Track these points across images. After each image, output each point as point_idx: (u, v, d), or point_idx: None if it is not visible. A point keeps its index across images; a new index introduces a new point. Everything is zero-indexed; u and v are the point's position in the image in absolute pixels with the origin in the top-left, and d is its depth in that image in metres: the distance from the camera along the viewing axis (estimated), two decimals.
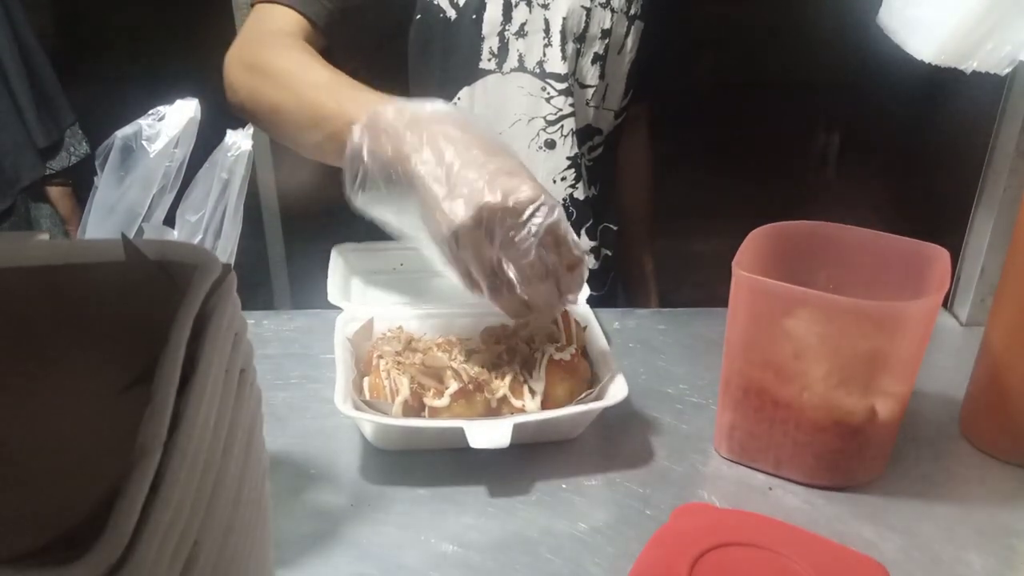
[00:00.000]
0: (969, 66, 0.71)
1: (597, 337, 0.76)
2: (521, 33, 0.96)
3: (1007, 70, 0.70)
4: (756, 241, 0.69)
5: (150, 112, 0.48)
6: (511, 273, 0.63)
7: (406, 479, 0.65)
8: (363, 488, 0.65)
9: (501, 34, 0.96)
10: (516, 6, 0.95)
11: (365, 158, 0.67)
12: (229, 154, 0.49)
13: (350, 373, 0.69)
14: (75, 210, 1.57)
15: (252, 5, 0.91)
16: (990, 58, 0.70)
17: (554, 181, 1.04)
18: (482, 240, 0.62)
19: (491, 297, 0.65)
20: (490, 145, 0.65)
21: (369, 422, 0.65)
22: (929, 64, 0.73)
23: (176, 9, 2.25)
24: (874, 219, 0.73)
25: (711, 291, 0.80)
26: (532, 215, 0.62)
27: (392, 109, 0.67)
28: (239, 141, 0.49)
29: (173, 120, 0.48)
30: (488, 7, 0.95)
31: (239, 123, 0.53)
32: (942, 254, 0.66)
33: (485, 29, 0.95)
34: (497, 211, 0.61)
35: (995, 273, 0.87)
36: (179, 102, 0.49)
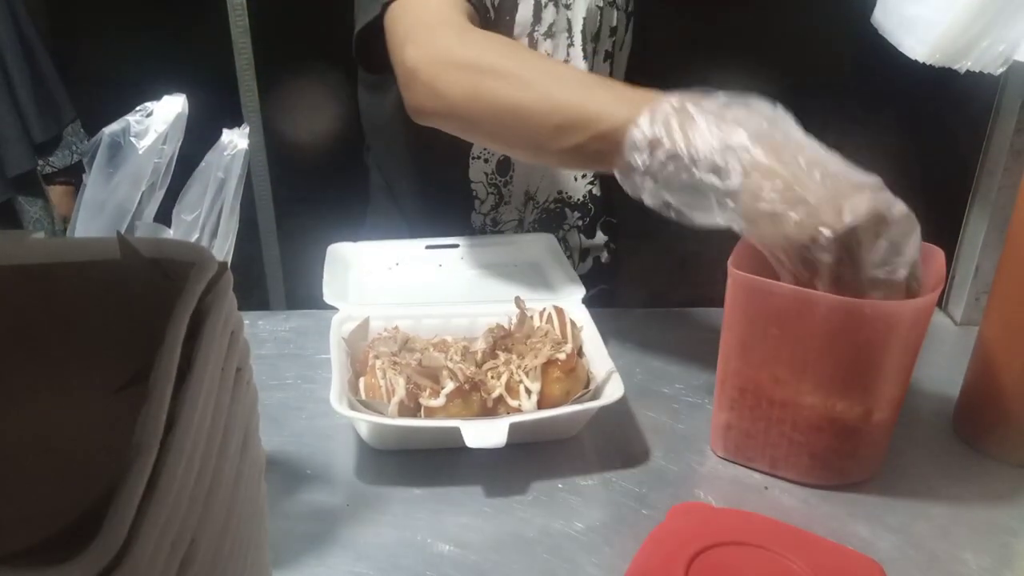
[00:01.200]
0: (963, 66, 0.71)
1: (593, 337, 0.76)
2: (549, 34, 0.96)
3: (1001, 70, 0.70)
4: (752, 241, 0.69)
5: (137, 108, 0.48)
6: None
7: (402, 479, 0.65)
8: (359, 488, 0.64)
9: (531, 35, 0.96)
10: (545, 7, 0.95)
11: (662, 154, 0.62)
12: (225, 153, 0.49)
13: (346, 373, 0.69)
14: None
15: (386, 5, 0.82)
16: (984, 57, 0.71)
17: (575, 179, 1.04)
18: (836, 262, 0.58)
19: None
20: (812, 163, 0.60)
21: (365, 422, 0.65)
22: (923, 64, 0.74)
23: (171, 7, 2.25)
24: None
25: (707, 291, 0.80)
26: (877, 229, 0.58)
27: (687, 101, 0.63)
28: (235, 140, 0.49)
29: (161, 116, 0.48)
30: (520, 8, 0.94)
31: (235, 122, 0.52)
32: (937, 253, 0.67)
33: (517, 30, 0.95)
34: (854, 234, 0.57)
35: (989, 272, 0.87)
36: (166, 98, 0.49)
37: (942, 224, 0.95)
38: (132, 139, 0.46)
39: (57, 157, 1.51)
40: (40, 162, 1.49)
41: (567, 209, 1.05)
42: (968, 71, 0.72)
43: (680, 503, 0.61)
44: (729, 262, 0.63)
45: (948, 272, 0.92)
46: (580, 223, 1.06)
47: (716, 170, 0.60)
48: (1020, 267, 0.66)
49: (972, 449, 0.71)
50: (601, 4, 0.98)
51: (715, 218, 0.62)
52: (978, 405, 0.71)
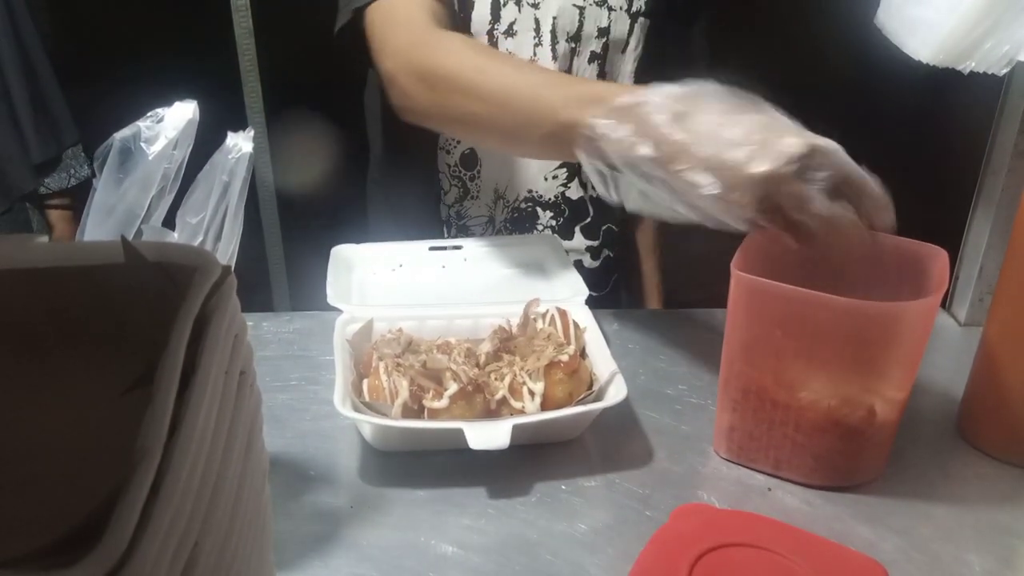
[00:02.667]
0: (967, 66, 0.71)
1: (596, 338, 0.76)
2: (511, 32, 0.96)
3: (1005, 70, 0.70)
4: (755, 242, 0.69)
5: (148, 114, 0.49)
6: (809, 223, 0.61)
7: (405, 481, 0.65)
8: (363, 490, 0.65)
9: (490, 33, 0.95)
10: (504, 5, 0.95)
11: (606, 165, 0.65)
12: (230, 156, 0.49)
13: (349, 375, 0.69)
14: (72, 236, 1.55)
15: (363, 8, 0.86)
16: (988, 58, 0.70)
17: (545, 179, 1.04)
18: (774, 209, 0.60)
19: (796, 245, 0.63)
20: (728, 111, 0.63)
21: (368, 423, 0.65)
22: (927, 65, 0.73)
23: (176, 11, 2.26)
24: None
25: (710, 292, 0.80)
26: (809, 169, 0.60)
27: (603, 113, 0.65)
28: (240, 143, 0.49)
29: (172, 122, 0.48)
30: (476, 6, 0.94)
31: (240, 125, 0.53)
32: (940, 254, 0.66)
33: (474, 28, 0.95)
34: (775, 179, 0.59)
35: (993, 273, 0.87)
36: (177, 104, 0.49)
37: (946, 225, 0.95)
38: (143, 144, 0.47)
39: (54, 179, 1.48)
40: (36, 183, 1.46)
41: (539, 208, 1.05)
42: (972, 72, 0.72)
43: (683, 504, 0.61)
44: (732, 263, 0.63)
45: (952, 273, 0.92)
46: (554, 223, 1.06)
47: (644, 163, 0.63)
48: (1023, 268, 0.66)
49: (976, 450, 0.71)
50: (581, 4, 0.97)
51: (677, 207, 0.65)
52: (982, 406, 0.71)
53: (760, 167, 0.58)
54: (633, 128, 0.64)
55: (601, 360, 0.73)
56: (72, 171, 1.49)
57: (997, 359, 0.69)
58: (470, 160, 1.01)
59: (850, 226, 0.62)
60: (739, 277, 0.62)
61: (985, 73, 0.71)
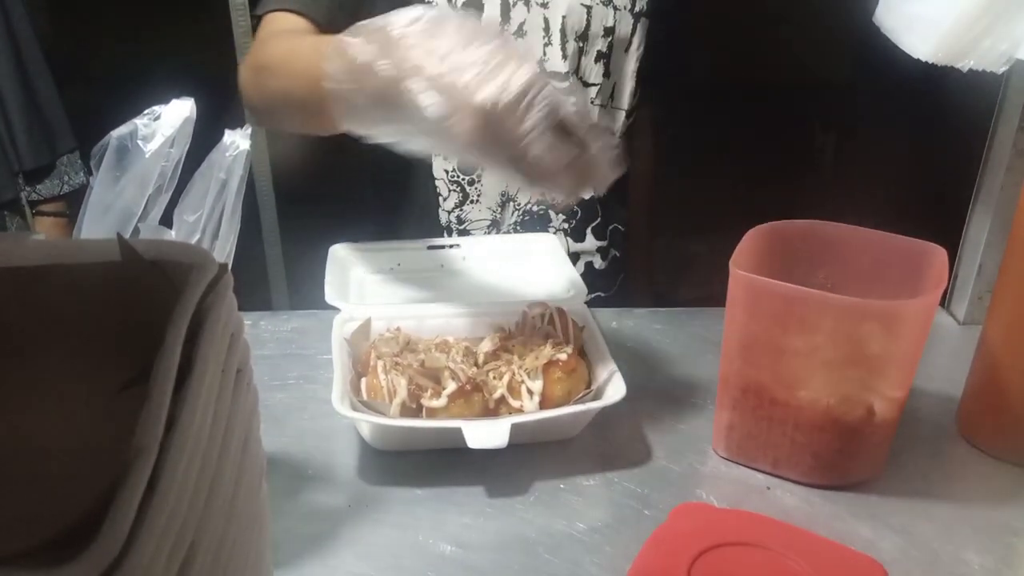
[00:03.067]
0: (966, 64, 0.71)
1: (595, 337, 0.76)
2: (520, 32, 0.96)
3: (1004, 68, 0.70)
4: (754, 240, 0.69)
5: (145, 112, 0.48)
6: (530, 159, 0.59)
7: (404, 479, 0.65)
8: (361, 489, 0.65)
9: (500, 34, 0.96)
10: (514, 6, 0.95)
11: (348, 93, 0.64)
12: (227, 154, 0.49)
13: (348, 374, 0.69)
14: None
15: (259, 17, 0.92)
16: (987, 56, 0.70)
17: None
18: (495, 144, 0.59)
19: (523, 184, 0.64)
20: (472, 36, 0.61)
21: (367, 422, 0.65)
22: (926, 62, 0.73)
23: (172, 7, 2.25)
24: (872, 218, 0.73)
25: (709, 290, 0.80)
26: (530, 104, 0.58)
27: (357, 35, 0.64)
28: (237, 141, 0.49)
29: (169, 119, 0.48)
30: (486, 7, 0.95)
31: (237, 123, 0.52)
32: (939, 252, 0.66)
33: None
34: (497, 112, 0.57)
35: (992, 271, 0.87)
36: (175, 101, 0.49)
37: (945, 222, 0.95)
38: (139, 142, 0.46)
39: (45, 185, 1.45)
40: (27, 188, 1.43)
41: (551, 211, 1.05)
42: (971, 70, 0.72)
43: (682, 503, 0.61)
44: (731, 261, 0.63)
45: (951, 271, 0.92)
46: (566, 226, 1.06)
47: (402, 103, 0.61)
48: (1023, 267, 0.66)
49: (975, 449, 0.71)
50: (589, 3, 0.97)
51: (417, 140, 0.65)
52: (981, 405, 0.71)
53: (483, 94, 0.57)
54: (378, 48, 0.62)
55: (600, 359, 0.73)
56: (66, 178, 1.47)
57: (996, 358, 0.69)
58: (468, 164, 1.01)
59: (575, 168, 0.61)
60: (738, 275, 0.62)
61: (984, 71, 0.71)
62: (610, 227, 1.10)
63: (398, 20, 0.62)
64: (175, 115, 0.48)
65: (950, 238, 0.85)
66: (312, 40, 0.81)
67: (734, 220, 0.77)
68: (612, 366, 0.70)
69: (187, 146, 0.49)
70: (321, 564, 0.57)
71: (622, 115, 1.07)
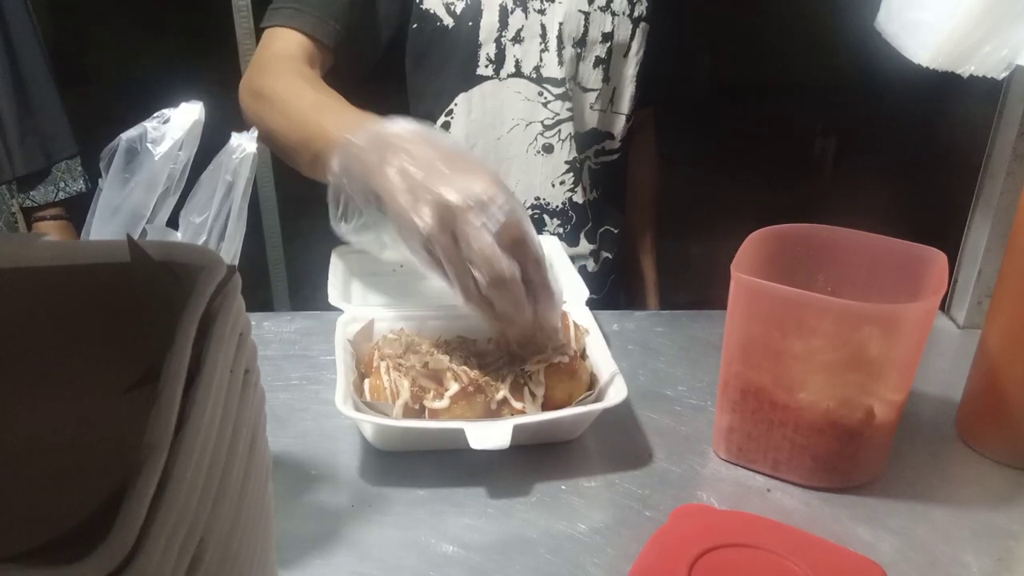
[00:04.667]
0: (966, 70, 0.72)
1: (597, 339, 0.76)
2: (518, 39, 0.97)
3: (1004, 74, 0.70)
4: (754, 244, 0.69)
5: (155, 115, 0.49)
6: (476, 273, 0.63)
7: (406, 480, 0.66)
8: (364, 489, 0.65)
9: (498, 40, 0.96)
10: (512, 12, 0.96)
11: (344, 187, 0.70)
12: (234, 156, 0.49)
13: (351, 374, 0.70)
14: None
15: (262, 30, 0.94)
16: (987, 62, 0.71)
17: (552, 185, 1.04)
18: (450, 243, 0.63)
19: (464, 301, 0.66)
20: (455, 155, 0.66)
21: (369, 423, 0.65)
22: (927, 68, 0.74)
23: (176, 10, 2.26)
24: (872, 222, 0.74)
25: (710, 293, 0.80)
26: (487, 210, 0.62)
27: (362, 134, 0.69)
28: (244, 144, 0.50)
29: (178, 123, 0.48)
30: (484, 14, 0.95)
31: (243, 126, 0.53)
32: (939, 257, 0.67)
33: (482, 36, 0.96)
34: (454, 210, 0.62)
35: (992, 276, 0.87)
36: (184, 105, 0.50)
37: (945, 228, 0.95)
38: (149, 145, 0.47)
39: (39, 192, 1.41)
40: (20, 195, 1.40)
41: (546, 216, 1.06)
42: (971, 75, 0.72)
43: (683, 505, 0.62)
44: (732, 265, 0.64)
45: (951, 276, 0.92)
46: (561, 231, 1.06)
47: (378, 199, 0.67)
48: (1021, 272, 0.67)
49: (974, 452, 0.71)
50: (587, 9, 0.98)
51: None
52: (980, 408, 0.72)
53: (449, 195, 0.62)
54: (371, 150, 0.68)
55: (602, 361, 0.73)
56: (62, 184, 1.42)
57: (995, 362, 0.69)
58: None
59: (515, 291, 0.64)
60: (738, 279, 0.63)
61: (984, 77, 0.72)
62: (601, 230, 1.11)
63: (394, 127, 0.69)
64: (184, 118, 0.48)
65: (951, 243, 0.85)
66: (312, 97, 0.83)
67: (736, 224, 0.77)
68: (614, 368, 0.71)
69: (195, 149, 0.50)
70: (324, 564, 0.57)
71: (622, 119, 1.08)
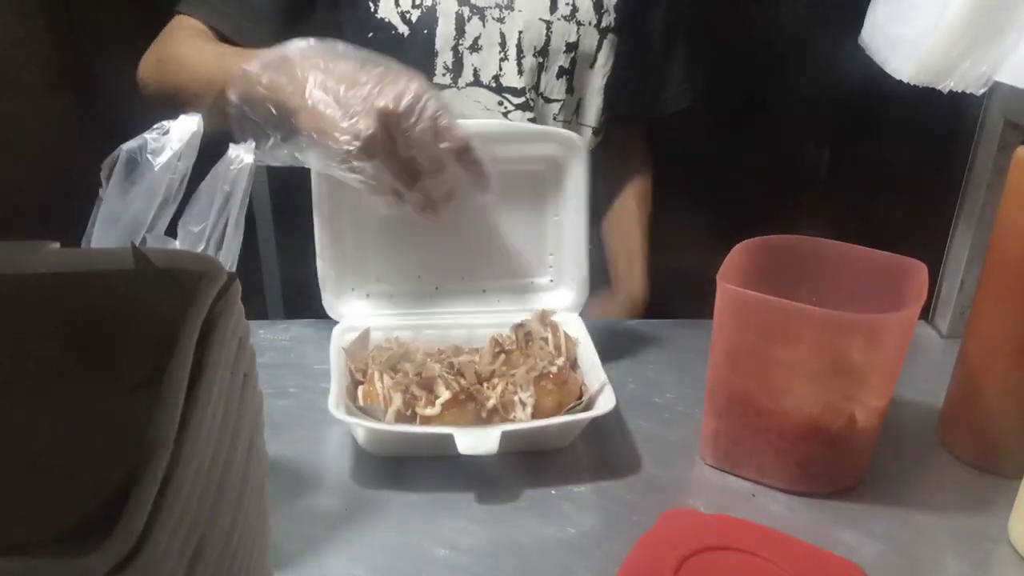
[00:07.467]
0: (946, 86, 0.73)
1: (588, 349, 0.77)
2: (475, 47, 0.96)
3: (983, 90, 0.72)
4: (740, 255, 0.71)
5: (155, 126, 0.50)
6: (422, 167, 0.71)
7: (399, 485, 0.67)
8: (357, 493, 0.66)
9: (455, 48, 0.96)
10: (469, 20, 0.95)
11: (247, 115, 0.72)
12: (232, 167, 0.51)
13: (344, 380, 0.71)
14: None
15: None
16: (966, 78, 0.72)
17: None
18: (389, 146, 0.69)
19: (408, 195, 0.72)
20: (363, 61, 0.71)
21: (362, 427, 0.66)
22: (909, 83, 0.76)
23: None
24: (858, 234, 0.75)
25: (698, 303, 0.81)
26: (422, 109, 0.69)
27: (260, 59, 0.72)
28: (241, 155, 0.51)
29: (177, 134, 0.50)
30: (440, 22, 0.95)
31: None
32: (920, 268, 0.68)
33: (438, 44, 0.95)
34: (394, 115, 0.68)
35: (974, 286, 0.89)
36: (183, 116, 0.51)
37: (928, 238, 0.97)
38: (149, 156, 0.48)
39: None
40: None
41: None
42: (951, 91, 0.74)
43: (670, 509, 0.63)
44: (718, 275, 0.65)
45: (934, 286, 0.94)
46: None
47: (294, 115, 0.70)
48: (1000, 283, 0.68)
49: (955, 459, 0.73)
50: (548, 18, 0.97)
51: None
52: (960, 415, 0.73)
53: (383, 100, 0.68)
54: (276, 71, 0.71)
55: (592, 371, 0.75)
56: None
57: (974, 370, 0.71)
58: None
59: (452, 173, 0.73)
60: (725, 288, 0.64)
61: (964, 92, 0.74)
62: None
63: (294, 47, 0.72)
64: (183, 130, 0.50)
65: (934, 254, 0.87)
66: (216, 49, 0.88)
67: (722, 235, 0.78)
68: (603, 377, 0.72)
69: (193, 159, 0.51)
70: (317, 566, 0.58)
71: (589, 132, 1.07)
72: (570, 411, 0.70)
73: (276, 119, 0.71)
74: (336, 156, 0.69)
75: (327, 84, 0.69)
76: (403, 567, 0.58)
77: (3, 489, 0.31)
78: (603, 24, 1.01)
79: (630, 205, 1.19)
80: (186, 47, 0.89)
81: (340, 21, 0.97)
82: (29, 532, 0.29)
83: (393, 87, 0.68)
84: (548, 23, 0.97)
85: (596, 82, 1.04)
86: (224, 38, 0.93)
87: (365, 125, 0.67)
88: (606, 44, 1.02)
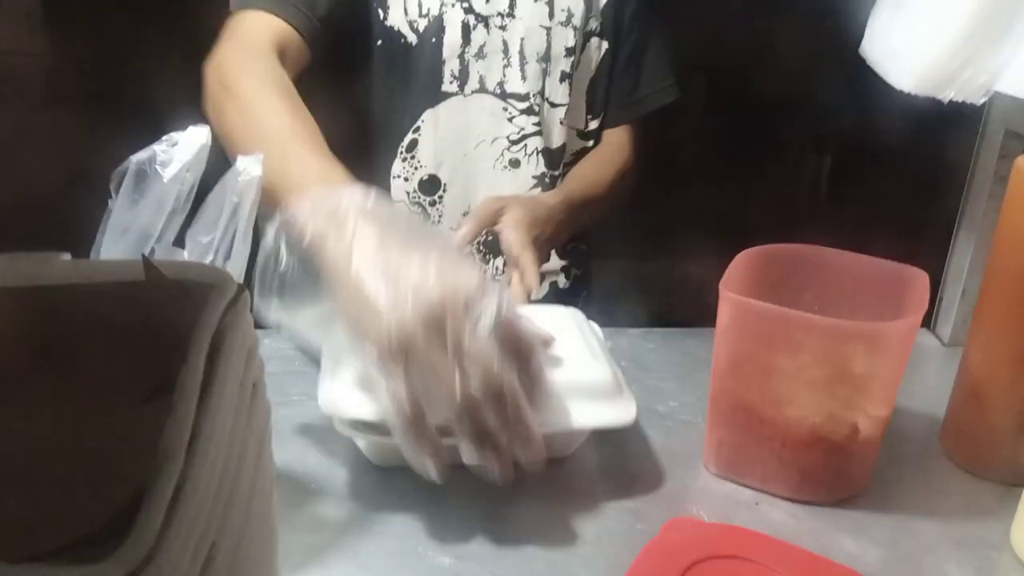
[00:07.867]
0: (947, 95, 0.74)
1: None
2: (480, 55, 0.98)
3: (983, 100, 0.73)
4: (743, 263, 0.71)
5: (163, 138, 0.51)
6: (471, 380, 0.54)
7: (404, 493, 0.67)
8: (362, 502, 0.66)
9: (461, 56, 0.97)
10: (474, 28, 0.97)
11: (283, 261, 0.61)
12: (239, 178, 0.51)
13: None
14: None
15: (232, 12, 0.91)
16: (966, 88, 0.73)
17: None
18: (436, 344, 0.54)
19: (417, 425, 0.57)
20: (420, 237, 0.59)
21: (365, 438, 0.66)
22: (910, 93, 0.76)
23: (178, 30, 2.28)
24: (860, 242, 0.76)
25: (701, 311, 0.82)
26: (483, 310, 0.54)
27: (309, 204, 0.61)
28: (248, 166, 0.52)
29: (186, 145, 0.50)
30: (447, 30, 0.96)
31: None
32: (921, 276, 0.69)
33: (445, 52, 0.97)
34: (446, 307, 0.53)
35: (976, 294, 0.89)
36: (191, 128, 0.52)
37: (930, 247, 0.97)
38: (158, 167, 0.49)
39: None
40: None
41: None
42: (951, 101, 0.74)
43: (673, 518, 0.63)
44: (721, 284, 0.66)
45: (936, 294, 0.94)
46: None
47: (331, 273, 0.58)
48: (1001, 291, 0.69)
49: (957, 467, 0.73)
50: (548, 24, 0.99)
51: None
52: (962, 424, 0.73)
53: (432, 294, 0.54)
54: (326, 222, 0.60)
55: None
56: None
57: (977, 378, 0.71)
58: (431, 185, 1.03)
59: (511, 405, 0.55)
60: (727, 297, 0.65)
61: (964, 102, 0.74)
62: (569, 246, 1.11)
63: (351, 199, 0.60)
64: (192, 141, 0.50)
65: (935, 262, 0.87)
66: (283, 124, 0.76)
67: (725, 243, 0.79)
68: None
69: (202, 171, 0.52)
70: (323, 573, 0.59)
71: (575, 135, 1.08)
72: None
73: (307, 268, 0.60)
74: (358, 336, 0.57)
75: (376, 259, 0.56)
76: (407, 574, 0.59)
77: (22, 499, 0.31)
78: (589, 27, 1.03)
79: (596, 160, 1.12)
80: (256, 89, 0.79)
81: (351, 29, 0.97)
82: (48, 541, 0.30)
83: (444, 280, 0.54)
84: (548, 29, 0.99)
85: (582, 85, 1.06)
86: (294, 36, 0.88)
87: (405, 316, 0.53)
88: (590, 47, 1.05)
